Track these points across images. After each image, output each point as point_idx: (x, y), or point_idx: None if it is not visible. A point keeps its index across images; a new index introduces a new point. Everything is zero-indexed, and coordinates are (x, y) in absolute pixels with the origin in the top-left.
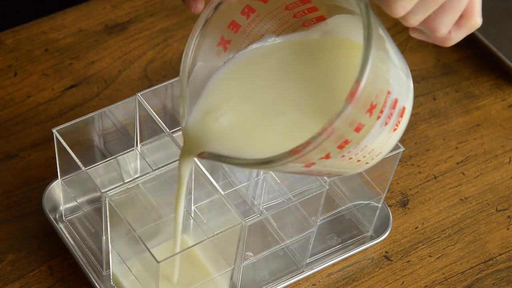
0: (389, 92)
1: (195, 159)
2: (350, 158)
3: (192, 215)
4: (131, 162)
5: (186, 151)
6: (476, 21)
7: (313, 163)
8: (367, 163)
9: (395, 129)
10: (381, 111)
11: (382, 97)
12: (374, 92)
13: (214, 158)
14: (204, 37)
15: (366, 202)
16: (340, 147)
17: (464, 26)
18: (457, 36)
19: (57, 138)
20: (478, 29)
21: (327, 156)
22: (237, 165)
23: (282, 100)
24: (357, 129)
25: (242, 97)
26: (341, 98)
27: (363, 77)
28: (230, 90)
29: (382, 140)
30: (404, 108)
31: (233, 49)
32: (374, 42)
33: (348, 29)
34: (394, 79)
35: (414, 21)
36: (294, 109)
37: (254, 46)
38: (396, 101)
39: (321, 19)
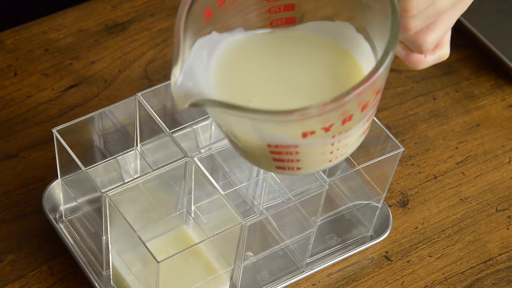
0: (379, 91)
1: (196, 159)
2: (332, 144)
3: (192, 215)
4: (131, 162)
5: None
6: (447, 51)
7: (313, 132)
8: (330, 161)
9: (364, 132)
10: (372, 107)
11: (378, 95)
12: (380, 83)
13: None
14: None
15: (366, 202)
16: (344, 121)
17: (436, 54)
18: (429, 61)
19: (57, 138)
20: (478, 29)
21: (330, 127)
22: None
23: (306, 81)
24: (363, 108)
25: (268, 77)
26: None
27: (388, 57)
28: (252, 72)
29: (355, 138)
30: (372, 115)
31: (213, 23)
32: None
33: (346, 39)
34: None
35: (413, 26)
36: (312, 91)
37: (259, 32)
38: (377, 101)
39: (291, 21)
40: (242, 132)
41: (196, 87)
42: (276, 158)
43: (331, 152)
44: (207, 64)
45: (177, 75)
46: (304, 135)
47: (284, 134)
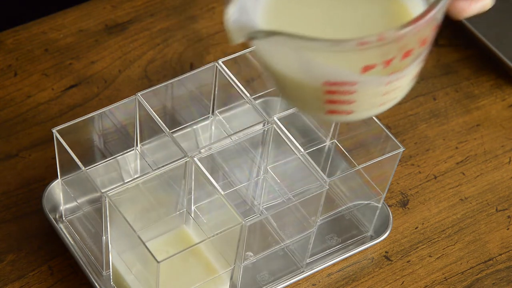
0: (435, 28)
1: (196, 159)
2: (388, 83)
3: (192, 215)
4: (131, 162)
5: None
6: (489, 1)
7: (374, 65)
8: (381, 104)
9: (415, 76)
10: (428, 43)
11: (435, 31)
12: (438, 20)
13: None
14: None
15: (366, 202)
16: (405, 55)
17: (480, 3)
18: (474, 10)
19: (57, 138)
20: (478, 29)
21: (387, 63)
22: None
23: (355, 17)
24: (423, 43)
25: (324, 14)
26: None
27: None
28: (311, 6)
29: (409, 78)
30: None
31: None
32: None
33: None
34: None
35: None
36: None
37: None
38: (429, 48)
39: None
40: (294, 71)
41: (250, 20)
42: (329, 99)
43: (384, 94)
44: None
45: (231, 10)
46: (365, 69)
47: (344, 68)
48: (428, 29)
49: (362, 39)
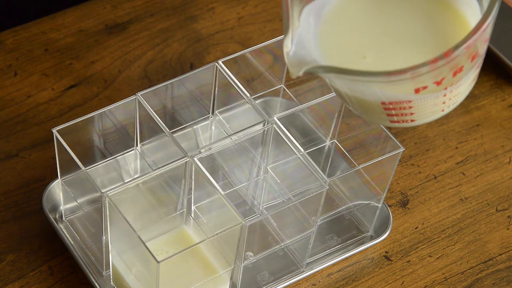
0: (486, 40)
1: (196, 159)
2: (445, 95)
3: (192, 215)
4: (131, 162)
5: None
6: None
7: (425, 87)
8: (442, 110)
9: (474, 79)
10: (479, 55)
11: (486, 43)
12: (488, 33)
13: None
14: None
15: (366, 202)
16: (455, 73)
17: None
18: None
19: (57, 138)
20: None
21: (438, 83)
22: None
23: (413, 34)
24: (473, 58)
25: (377, 33)
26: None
27: (495, 8)
28: (363, 28)
29: (466, 85)
30: (481, 62)
31: None
32: None
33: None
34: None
35: None
36: (422, 44)
37: None
38: (484, 54)
39: None
40: (355, 92)
41: (308, 54)
42: (390, 113)
43: (444, 102)
44: (315, 30)
45: (289, 45)
46: (417, 90)
47: (397, 92)
48: (478, 44)
49: (414, 71)
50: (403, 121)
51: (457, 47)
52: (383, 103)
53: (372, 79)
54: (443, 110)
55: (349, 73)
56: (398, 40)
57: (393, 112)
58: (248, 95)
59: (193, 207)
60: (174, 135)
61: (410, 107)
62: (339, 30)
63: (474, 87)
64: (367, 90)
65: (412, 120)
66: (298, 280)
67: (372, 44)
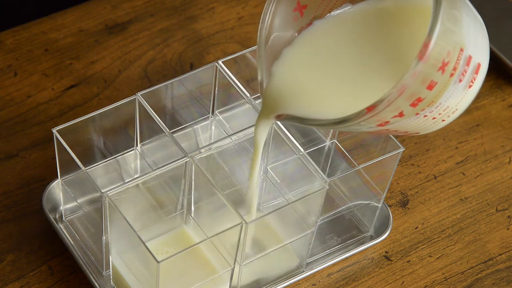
0: (462, 49)
1: (196, 159)
2: (425, 116)
3: (192, 215)
4: (131, 162)
5: (264, 114)
6: None
7: (387, 122)
8: (443, 120)
9: (470, 86)
10: (454, 68)
11: (454, 54)
12: (446, 49)
13: (292, 120)
14: (280, 2)
15: (366, 202)
16: (413, 105)
17: None
18: None
19: (57, 138)
20: None
21: (401, 114)
22: (314, 126)
23: (357, 64)
24: (430, 87)
25: (320, 62)
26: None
27: (434, 34)
28: (309, 56)
29: (457, 97)
30: (479, 65)
31: (309, 14)
32: (444, 1)
33: None
34: (467, 36)
35: None
36: (368, 73)
37: (332, 13)
38: (470, 58)
39: None
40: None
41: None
42: (385, 133)
43: (434, 118)
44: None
45: (261, 78)
46: (385, 123)
47: (369, 127)
48: (428, 69)
49: (358, 117)
50: (405, 133)
51: (381, 99)
52: (369, 133)
53: (328, 126)
54: (443, 120)
55: (311, 122)
56: (355, 80)
57: (387, 133)
58: (248, 95)
59: (193, 207)
60: (174, 135)
61: (396, 130)
62: (303, 62)
63: None
64: (348, 128)
65: (411, 134)
66: (298, 280)
67: (333, 88)
